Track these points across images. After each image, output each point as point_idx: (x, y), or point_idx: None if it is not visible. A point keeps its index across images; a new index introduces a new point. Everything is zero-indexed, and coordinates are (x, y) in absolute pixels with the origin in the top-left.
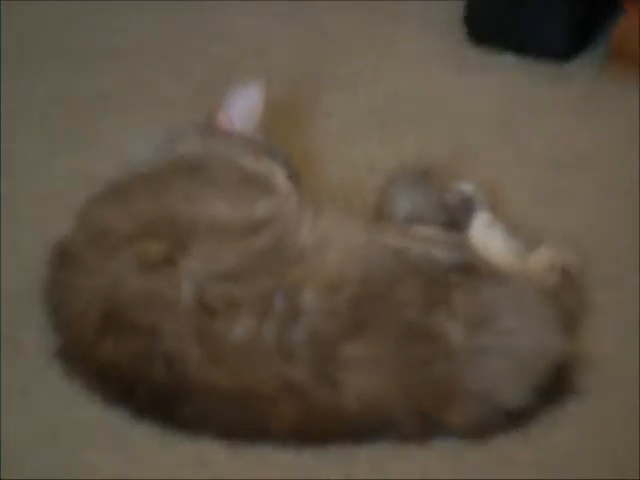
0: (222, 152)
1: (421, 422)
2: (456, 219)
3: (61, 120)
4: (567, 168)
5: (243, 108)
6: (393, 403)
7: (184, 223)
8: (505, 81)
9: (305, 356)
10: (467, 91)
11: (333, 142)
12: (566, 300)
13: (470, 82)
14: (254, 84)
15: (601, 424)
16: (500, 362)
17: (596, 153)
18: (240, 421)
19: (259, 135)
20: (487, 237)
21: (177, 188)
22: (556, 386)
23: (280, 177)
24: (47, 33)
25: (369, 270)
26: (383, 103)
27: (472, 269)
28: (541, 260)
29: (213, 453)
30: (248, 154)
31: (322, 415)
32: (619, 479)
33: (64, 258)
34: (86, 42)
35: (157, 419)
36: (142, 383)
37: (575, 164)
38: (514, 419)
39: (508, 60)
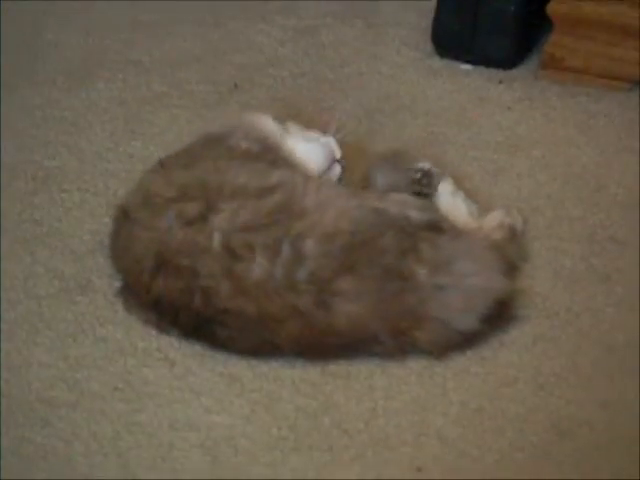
0: (251, 121)
1: (397, 340)
2: (420, 190)
3: (122, 117)
4: (509, 150)
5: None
6: (374, 325)
7: (214, 189)
8: (463, 84)
9: (307, 289)
10: (434, 92)
11: (335, 133)
12: (510, 250)
13: (436, 85)
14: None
15: (536, 344)
16: (456, 296)
17: (532, 139)
18: (260, 338)
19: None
20: (450, 201)
21: (207, 162)
22: (500, 315)
23: (295, 151)
24: (111, 45)
25: (357, 225)
26: (368, 102)
27: (437, 226)
28: (492, 220)
29: (241, 370)
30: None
31: (319, 332)
32: (552, 382)
33: (124, 217)
34: (144, 54)
35: (199, 339)
36: (185, 312)
37: (516, 147)
38: (468, 340)
39: (466, 68)
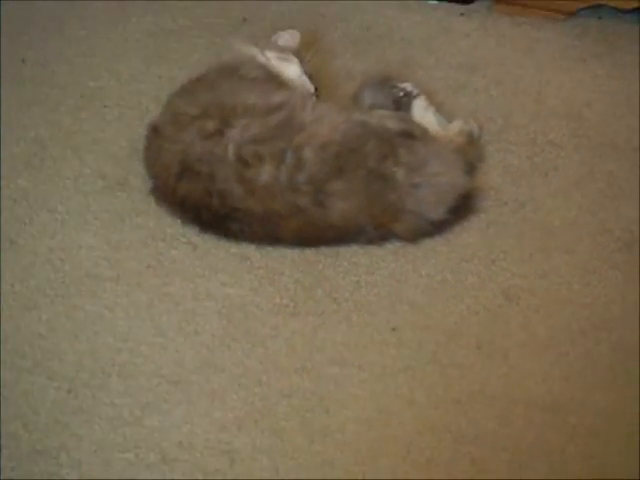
0: (254, 55)
1: (379, 230)
2: (401, 106)
3: (152, 46)
4: (468, 70)
5: (286, 36)
6: (362, 219)
7: (228, 108)
8: (431, 16)
9: (306, 190)
10: (407, 23)
11: (326, 58)
12: (469, 153)
13: (409, 17)
14: (294, 31)
15: (489, 228)
16: (428, 192)
17: (487, 61)
18: (266, 231)
19: (292, 52)
20: (423, 114)
21: (223, 85)
22: (463, 206)
23: (294, 63)
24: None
25: (346, 135)
26: (353, 32)
27: (411, 134)
28: (455, 128)
29: (250, 251)
30: (274, 50)
31: (316, 226)
32: (501, 258)
33: (155, 132)
34: None
35: (215, 231)
36: (205, 209)
37: (473, 68)
38: (437, 228)
39: (433, 3)
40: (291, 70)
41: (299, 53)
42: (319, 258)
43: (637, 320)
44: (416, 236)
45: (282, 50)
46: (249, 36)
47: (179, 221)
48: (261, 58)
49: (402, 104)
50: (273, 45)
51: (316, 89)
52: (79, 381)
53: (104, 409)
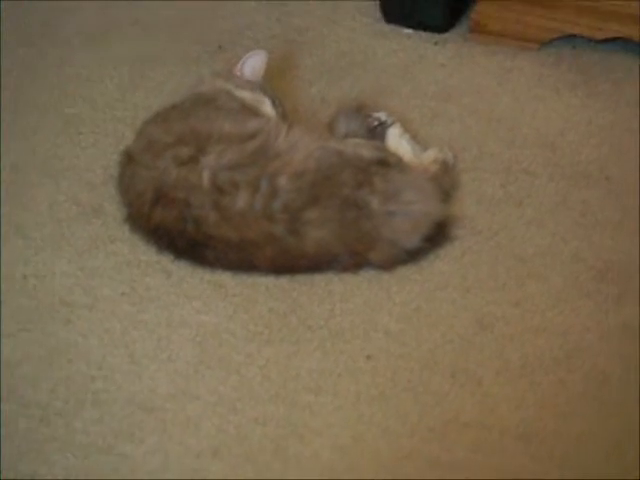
0: (229, 89)
1: (354, 259)
2: (375, 135)
3: (127, 73)
4: (443, 99)
5: (252, 64)
6: (336, 247)
7: (203, 135)
8: (406, 45)
9: (281, 218)
10: (382, 51)
11: (301, 85)
12: (444, 181)
13: (384, 45)
14: (261, 51)
15: (464, 256)
16: (403, 221)
17: (461, 89)
18: (241, 259)
19: (260, 81)
20: (398, 142)
21: (198, 114)
22: (437, 234)
23: (267, 105)
24: (118, 14)
25: (321, 163)
26: (328, 59)
27: (386, 163)
28: (429, 156)
29: (225, 279)
30: (247, 90)
31: (291, 255)
32: (475, 286)
33: (129, 159)
34: (145, 21)
35: (189, 259)
36: (180, 236)
37: (448, 96)
38: (412, 256)
39: (408, 32)
40: (265, 110)
41: (266, 81)
42: (294, 286)
43: (610, 348)
44: (391, 264)
45: (253, 90)
46: (225, 64)
47: (154, 248)
48: (237, 93)
49: (376, 133)
50: (243, 82)
51: (286, 113)
52: (52, 409)
53: (77, 437)
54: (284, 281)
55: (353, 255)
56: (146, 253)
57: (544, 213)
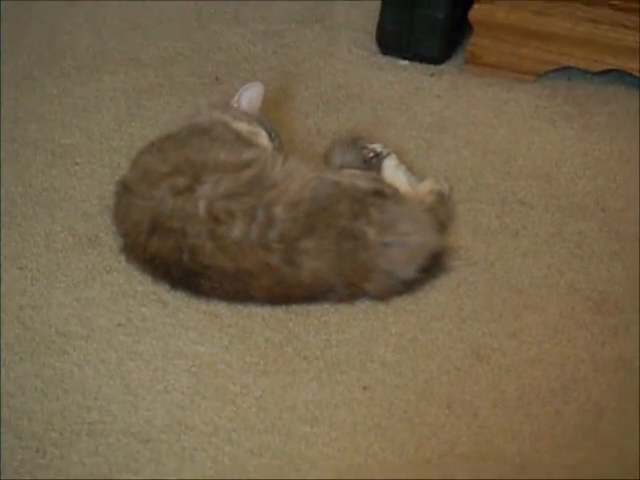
0: (226, 121)
1: (350, 289)
2: (371, 166)
3: (124, 104)
4: (439, 130)
5: (249, 96)
6: (332, 277)
7: (199, 165)
8: (402, 77)
9: (277, 248)
10: (378, 83)
11: (297, 116)
12: (440, 212)
13: (380, 77)
14: (258, 83)
15: (460, 287)
16: (399, 251)
17: (457, 121)
18: (236, 289)
19: (257, 113)
20: (394, 174)
21: (194, 144)
22: (433, 265)
23: (263, 137)
24: (115, 45)
25: (317, 194)
26: (324, 91)
27: (382, 194)
28: (425, 187)
29: (221, 309)
30: (244, 122)
31: (287, 285)
32: (471, 317)
33: (125, 189)
34: (141, 52)
35: (185, 289)
36: (176, 266)
37: (444, 128)
38: (408, 287)
39: (404, 63)
40: (261, 142)
41: (263, 113)
42: (289, 316)
43: (606, 379)
44: (387, 295)
45: (250, 122)
46: (221, 95)
47: (150, 278)
48: (233, 125)
49: (372, 164)
50: (240, 114)
51: (282, 144)
52: (48, 440)
53: (73, 468)
54: (280, 311)
55: (349, 285)
56: (142, 283)
57: (540, 244)
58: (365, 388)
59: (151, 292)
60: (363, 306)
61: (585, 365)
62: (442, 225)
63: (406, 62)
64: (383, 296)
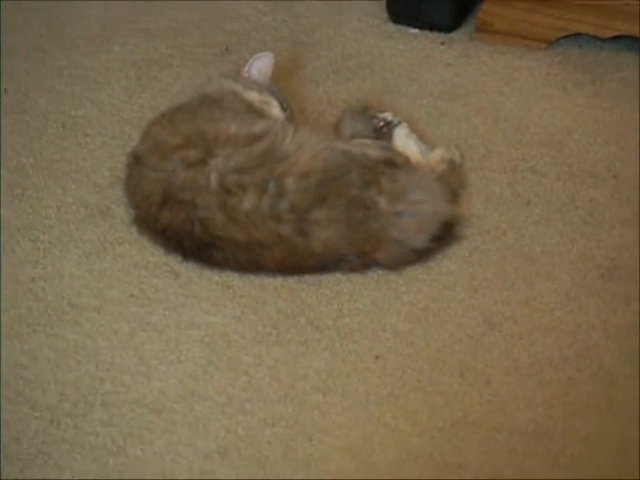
0: (237, 90)
1: (362, 259)
2: (381, 135)
3: (134, 75)
4: (450, 98)
5: (259, 66)
6: (344, 247)
7: (210, 138)
8: (412, 45)
9: (288, 218)
10: (388, 51)
11: (308, 86)
12: (451, 181)
13: (390, 46)
14: (268, 53)
15: (472, 256)
16: (411, 221)
17: (468, 89)
18: (248, 260)
19: (268, 83)
20: (404, 142)
21: (205, 114)
22: (445, 234)
23: (275, 107)
24: (124, 16)
25: (328, 164)
26: (335, 60)
27: (393, 163)
28: (436, 156)
29: (233, 280)
30: (255, 91)
31: (299, 255)
32: (483, 285)
33: (136, 161)
34: (151, 23)
35: (197, 260)
36: (187, 237)
37: (455, 96)
38: (420, 256)
39: (414, 32)
40: (273, 112)
41: (274, 83)
42: (302, 286)
43: (618, 346)
44: (399, 264)
45: (261, 91)
46: (232, 65)
47: (162, 250)
48: (244, 95)
49: (383, 133)
50: (251, 83)
51: (293, 114)
52: (61, 411)
53: (87, 439)
54: (292, 282)
55: (361, 255)
56: (154, 255)
57: (552, 212)
58: (377, 357)
59: (163, 263)
60: (375, 276)
61: (597, 332)
62: (453, 194)
63: (416, 30)
64: (395, 265)
